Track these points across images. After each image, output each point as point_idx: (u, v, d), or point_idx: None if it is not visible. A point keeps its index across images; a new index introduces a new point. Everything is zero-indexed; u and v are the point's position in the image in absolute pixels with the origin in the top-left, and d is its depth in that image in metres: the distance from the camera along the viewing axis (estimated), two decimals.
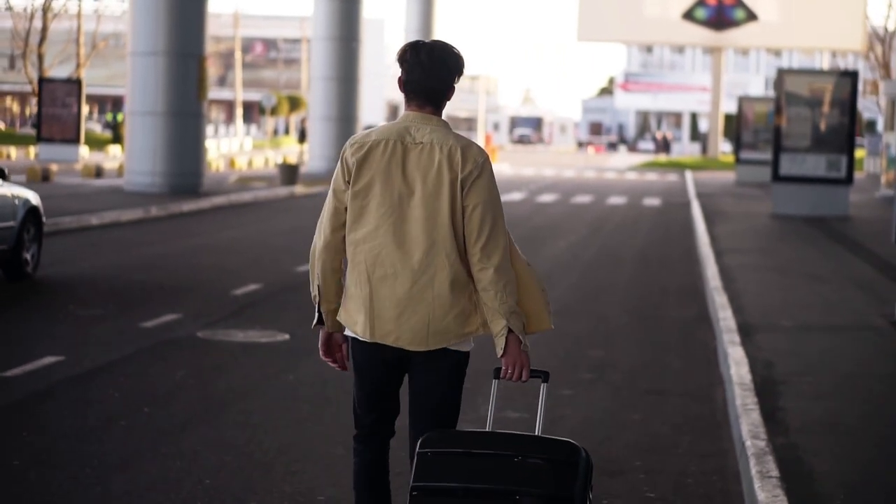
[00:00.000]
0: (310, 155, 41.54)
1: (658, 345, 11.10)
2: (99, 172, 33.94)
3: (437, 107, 4.38)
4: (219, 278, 14.29)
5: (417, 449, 4.19)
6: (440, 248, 4.28)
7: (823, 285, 14.45)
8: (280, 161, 35.13)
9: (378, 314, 4.33)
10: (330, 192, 4.44)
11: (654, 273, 16.75)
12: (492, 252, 4.28)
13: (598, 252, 19.33)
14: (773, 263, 16.80)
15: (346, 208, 4.39)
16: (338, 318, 4.47)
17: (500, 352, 4.31)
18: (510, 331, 4.28)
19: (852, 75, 26.65)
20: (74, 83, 43.07)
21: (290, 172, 33.21)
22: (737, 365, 9.19)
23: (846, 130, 25.80)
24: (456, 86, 4.44)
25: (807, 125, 25.97)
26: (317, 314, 4.51)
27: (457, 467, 4.10)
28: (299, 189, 32.16)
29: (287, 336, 10.63)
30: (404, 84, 4.39)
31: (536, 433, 4.31)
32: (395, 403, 4.57)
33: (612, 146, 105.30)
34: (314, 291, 4.48)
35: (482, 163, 4.31)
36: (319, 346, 4.56)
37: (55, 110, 42.05)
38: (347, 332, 4.48)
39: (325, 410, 7.97)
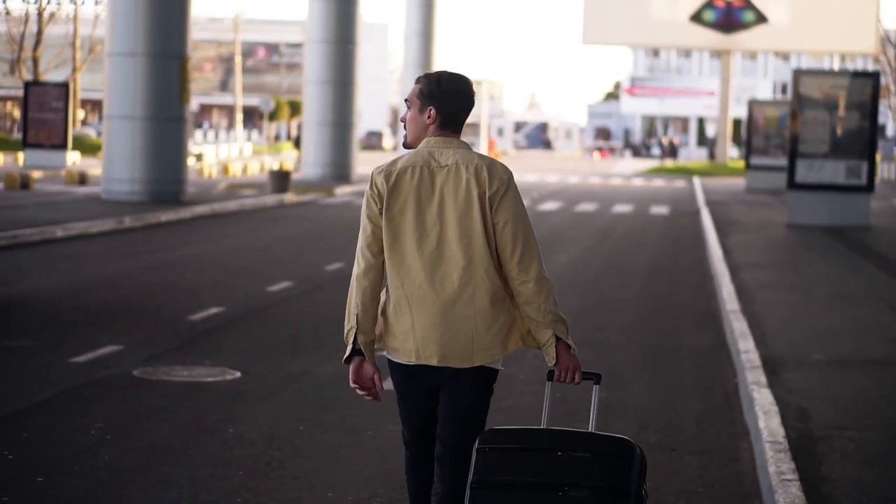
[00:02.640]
0: (304, 161, 40.00)
1: (670, 383, 9.59)
2: (83, 179, 32.48)
3: (460, 130, 4.47)
4: (179, 300, 12.81)
5: (476, 446, 4.26)
6: (477, 264, 4.34)
7: (854, 308, 12.92)
8: (277, 167, 33.58)
9: (422, 336, 4.33)
10: (364, 220, 4.43)
11: (663, 292, 15.23)
12: (528, 265, 4.35)
13: (602, 267, 17.82)
14: (794, 281, 15.28)
15: (382, 233, 4.39)
16: (377, 344, 4.41)
17: (550, 361, 4.35)
18: (558, 338, 4.34)
19: (873, 76, 25.07)
20: (62, 87, 41.66)
21: (280, 179, 31.70)
22: (765, 415, 7.69)
23: (867, 135, 24.20)
24: None
25: (824, 129, 24.35)
26: (350, 348, 4.41)
27: (514, 462, 4.20)
28: (290, 197, 30.64)
29: (238, 374, 9.13)
30: (441, 114, 4.42)
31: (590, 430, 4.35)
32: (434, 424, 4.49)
33: (629, 148, 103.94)
34: (350, 323, 4.39)
35: (507, 180, 4.39)
36: (350, 375, 4.45)
37: (42, 115, 40.65)
38: (387, 357, 4.41)
39: (261, 480, 6.46)
